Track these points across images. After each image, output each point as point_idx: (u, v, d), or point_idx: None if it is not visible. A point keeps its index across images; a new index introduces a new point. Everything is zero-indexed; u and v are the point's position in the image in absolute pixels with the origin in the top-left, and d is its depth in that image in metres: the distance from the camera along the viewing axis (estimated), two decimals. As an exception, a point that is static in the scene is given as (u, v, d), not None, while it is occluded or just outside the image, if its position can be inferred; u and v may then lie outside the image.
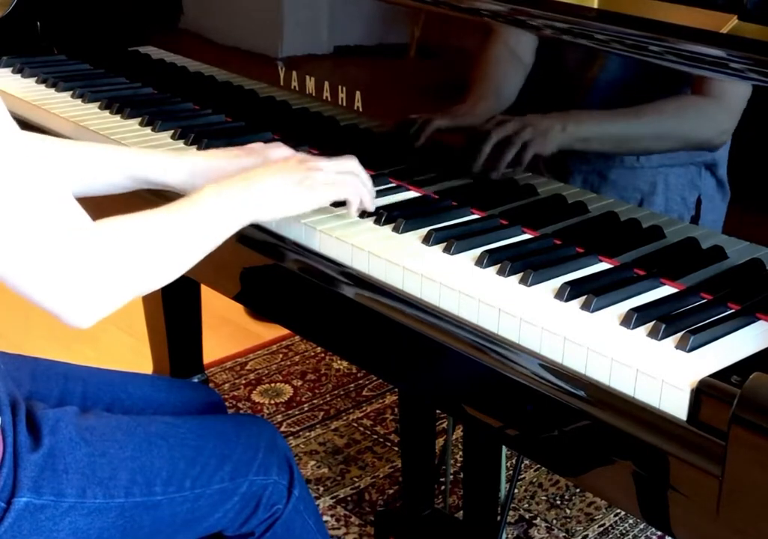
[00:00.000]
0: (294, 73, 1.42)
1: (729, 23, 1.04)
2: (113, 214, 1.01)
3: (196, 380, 2.07)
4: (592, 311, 0.99)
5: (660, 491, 0.89)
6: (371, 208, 1.18)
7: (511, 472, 1.61)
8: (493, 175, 1.21)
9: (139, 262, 0.99)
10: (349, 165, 1.18)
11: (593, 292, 1.00)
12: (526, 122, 1.16)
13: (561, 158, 1.15)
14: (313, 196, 1.13)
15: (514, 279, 1.06)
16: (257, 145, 1.25)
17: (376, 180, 1.32)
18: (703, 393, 0.86)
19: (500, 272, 1.07)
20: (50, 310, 0.94)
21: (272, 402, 2.34)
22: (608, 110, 1.13)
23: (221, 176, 1.16)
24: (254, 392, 2.38)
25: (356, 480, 2.05)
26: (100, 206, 1.35)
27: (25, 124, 1.59)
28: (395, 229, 1.17)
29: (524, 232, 1.18)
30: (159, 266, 1.02)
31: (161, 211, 1.03)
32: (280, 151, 1.23)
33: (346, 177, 1.16)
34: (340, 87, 1.35)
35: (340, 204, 1.19)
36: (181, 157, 1.23)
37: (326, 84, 1.37)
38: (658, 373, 0.88)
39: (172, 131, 1.48)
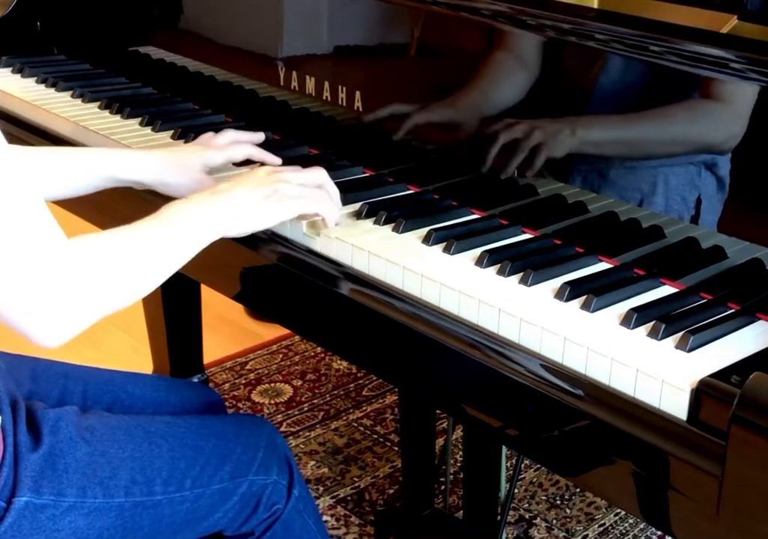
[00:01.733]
0: (294, 73, 1.42)
1: (729, 23, 1.04)
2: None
3: (196, 380, 2.07)
4: (592, 311, 0.99)
5: (660, 491, 0.89)
6: (332, 225, 1.17)
7: (511, 472, 1.61)
8: (494, 175, 1.21)
9: (111, 282, 0.98)
10: (317, 176, 1.17)
11: (593, 292, 1.00)
12: (530, 124, 1.16)
13: (561, 158, 1.15)
14: (279, 211, 1.12)
15: (514, 279, 1.06)
16: (205, 136, 1.31)
17: (375, 180, 1.32)
18: (703, 393, 0.86)
19: (500, 272, 1.07)
20: (18, 329, 0.92)
21: (272, 402, 2.34)
22: (618, 115, 1.12)
23: (186, 171, 1.21)
24: (254, 392, 2.38)
25: (356, 480, 2.05)
26: (101, 206, 1.36)
27: (25, 124, 1.60)
28: (395, 229, 1.17)
29: (524, 232, 1.18)
30: (130, 285, 1.01)
31: (133, 229, 1.02)
32: (228, 135, 1.28)
33: (313, 191, 1.15)
34: (340, 87, 1.35)
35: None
36: (148, 154, 1.25)
37: (326, 84, 1.37)
38: (658, 373, 0.88)
39: (172, 131, 1.48)
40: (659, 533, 1.90)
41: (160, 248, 1.03)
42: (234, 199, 1.09)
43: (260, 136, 1.34)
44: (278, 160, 1.28)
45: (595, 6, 1.16)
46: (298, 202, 1.13)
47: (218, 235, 1.08)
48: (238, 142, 1.29)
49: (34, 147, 1.28)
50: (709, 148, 1.04)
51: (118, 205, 1.34)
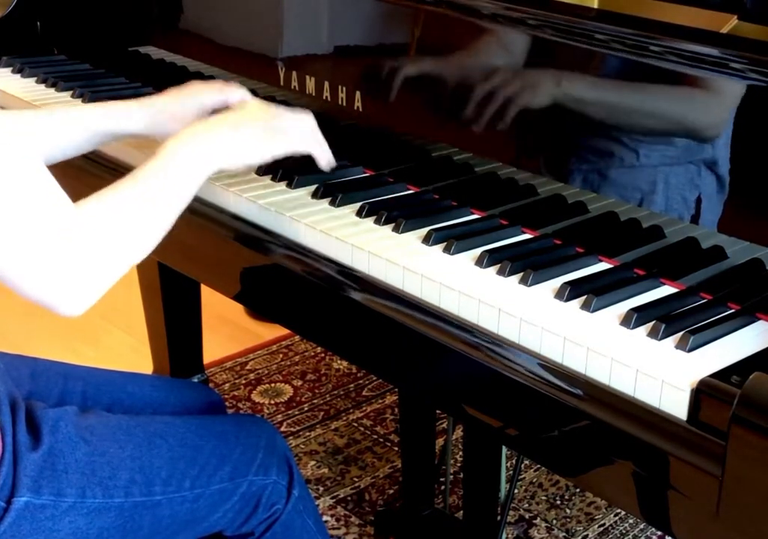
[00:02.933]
0: (294, 73, 1.42)
1: (729, 23, 1.04)
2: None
3: (196, 380, 2.07)
4: (592, 311, 0.99)
5: (660, 491, 0.89)
6: (326, 167, 1.21)
7: (511, 472, 1.61)
8: (491, 173, 1.21)
9: (125, 237, 0.99)
10: (307, 118, 1.21)
11: (593, 292, 1.00)
12: (532, 119, 1.16)
13: (560, 157, 1.15)
14: (272, 146, 1.15)
15: (514, 279, 1.06)
16: (217, 82, 1.29)
17: (375, 180, 1.32)
18: (703, 393, 0.86)
19: (500, 272, 1.07)
20: (41, 301, 0.94)
21: (272, 402, 2.34)
22: (606, 78, 1.12)
23: (184, 115, 1.20)
24: (254, 392, 2.38)
25: (356, 480, 2.05)
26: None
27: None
28: (395, 229, 1.17)
29: (524, 232, 1.18)
30: (143, 236, 1.02)
31: (134, 180, 1.03)
32: (239, 92, 1.26)
33: (304, 132, 1.18)
34: (340, 87, 1.35)
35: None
36: (141, 103, 1.24)
37: (326, 84, 1.37)
38: (658, 373, 0.88)
39: (172, 131, 1.47)
40: (659, 533, 1.90)
41: (163, 192, 1.04)
42: (228, 132, 1.11)
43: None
44: None
45: (595, 6, 1.16)
46: (291, 140, 1.16)
47: (215, 168, 1.10)
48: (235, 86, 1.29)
49: (22, 111, 1.27)
50: (689, 132, 1.04)
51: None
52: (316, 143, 1.19)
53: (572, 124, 1.13)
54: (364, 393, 2.38)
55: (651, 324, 0.96)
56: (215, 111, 1.26)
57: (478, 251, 1.11)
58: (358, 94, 1.33)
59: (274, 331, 2.63)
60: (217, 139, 1.09)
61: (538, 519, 1.95)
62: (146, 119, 1.21)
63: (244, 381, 2.43)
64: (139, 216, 1.00)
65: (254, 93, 1.51)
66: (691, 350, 0.92)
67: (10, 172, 0.90)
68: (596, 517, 1.96)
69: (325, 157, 1.20)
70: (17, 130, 0.95)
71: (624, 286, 1.03)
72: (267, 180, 1.31)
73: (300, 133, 1.17)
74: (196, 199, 1.14)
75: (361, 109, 1.33)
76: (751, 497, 0.83)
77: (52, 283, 0.93)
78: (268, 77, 1.46)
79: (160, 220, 1.03)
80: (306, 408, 2.31)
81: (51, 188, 0.93)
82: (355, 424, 2.25)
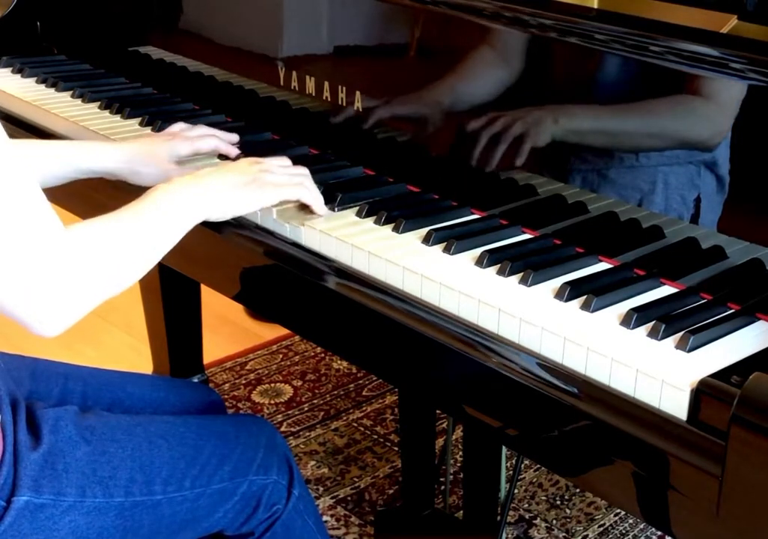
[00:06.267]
0: (294, 73, 1.42)
1: (729, 23, 1.04)
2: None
3: (196, 380, 2.07)
4: (592, 311, 0.99)
5: (660, 491, 0.89)
6: (322, 211, 1.20)
7: (511, 472, 1.61)
8: (491, 173, 1.21)
9: (108, 268, 0.99)
10: (298, 169, 1.22)
11: (593, 292, 1.00)
12: (528, 117, 1.16)
13: (560, 157, 1.15)
14: (261, 196, 1.15)
15: (514, 279, 1.06)
16: (175, 127, 1.35)
17: (375, 180, 1.32)
18: (703, 393, 0.86)
19: (500, 272, 1.07)
20: (19, 319, 0.93)
21: (272, 402, 2.34)
22: (603, 106, 1.13)
23: (156, 160, 1.26)
24: (254, 392, 2.38)
25: (356, 480, 2.05)
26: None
27: (25, 124, 1.60)
28: (395, 229, 1.17)
29: (524, 232, 1.18)
30: (125, 269, 1.02)
31: (124, 215, 1.04)
32: (200, 129, 1.33)
33: (294, 179, 1.19)
34: (340, 87, 1.35)
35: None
36: (117, 145, 1.30)
37: (326, 84, 1.37)
38: (658, 373, 0.88)
39: (172, 131, 1.48)
40: (659, 533, 1.90)
41: (150, 233, 1.05)
42: (216, 184, 1.13)
43: (234, 137, 1.38)
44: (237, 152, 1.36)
45: (595, 6, 1.16)
46: (280, 189, 1.17)
47: (201, 218, 1.11)
48: (207, 135, 1.33)
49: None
50: (694, 144, 1.04)
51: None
52: (307, 191, 1.20)
53: (573, 126, 1.13)
54: (364, 393, 2.38)
55: (651, 324, 0.96)
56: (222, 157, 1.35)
57: (478, 251, 1.11)
58: (358, 94, 1.33)
59: (274, 331, 2.63)
60: (205, 192, 1.11)
61: (538, 519, 1.95)
62: (120, 159, 1.26)
63: (244, 381, 2.43)
64: (123, 248, 1.02)
65: (254, 93, 1.52)
66: (691, 350, 0.92)
67: (4, 190, 0.89)
68: (596, 517, 1.96)
69: (317, 204, 1.20)
70: (19, 153, 0.94)
71: (624, 286, 1.03)
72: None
73: (290, 182, 1.19)
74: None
75: (361, 109, 1.33)
76: (751, 497, 0.83)
77: (30, 302, 0.92)
78: (268, 77, 1.46)
79: (141, 257, 1.04)
80: (306, 408, 2.31)
81: (42, 208, 0.93)
82: (355, 424, 2.25)
